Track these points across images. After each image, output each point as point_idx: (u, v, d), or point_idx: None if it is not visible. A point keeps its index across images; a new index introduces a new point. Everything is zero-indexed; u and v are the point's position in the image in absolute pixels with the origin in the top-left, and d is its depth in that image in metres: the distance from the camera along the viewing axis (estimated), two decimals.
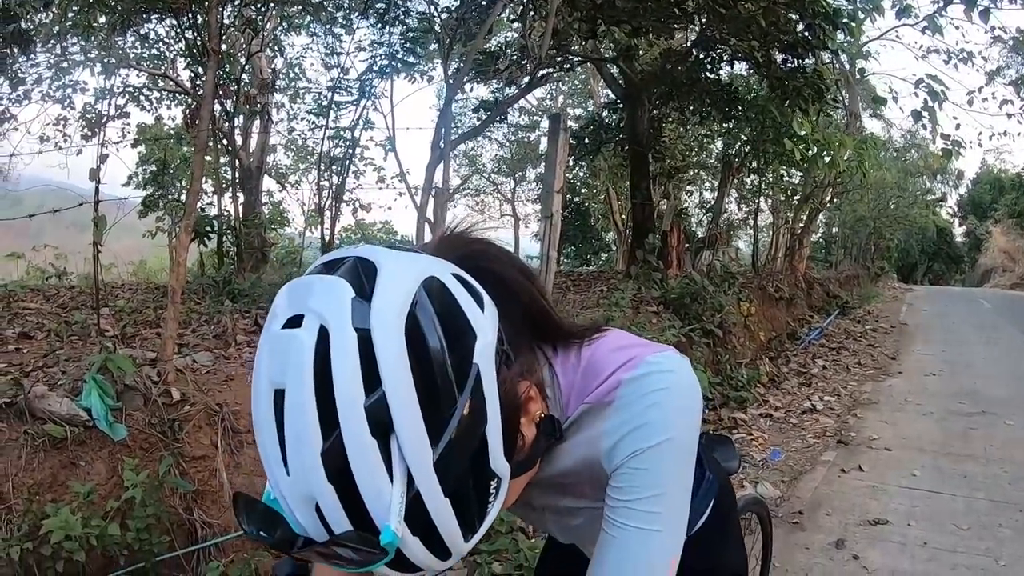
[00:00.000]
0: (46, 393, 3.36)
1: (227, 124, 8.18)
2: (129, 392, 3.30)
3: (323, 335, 0.71)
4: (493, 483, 0.80)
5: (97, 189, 3.38)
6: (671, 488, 0.92)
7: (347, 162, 8.28)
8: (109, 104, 8.92)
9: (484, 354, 0.77)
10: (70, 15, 7.25)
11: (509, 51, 8.12)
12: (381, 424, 0.70)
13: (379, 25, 7.19)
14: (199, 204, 8.58)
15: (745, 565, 1.47)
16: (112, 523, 3.01)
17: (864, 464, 5.17)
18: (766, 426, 6.48)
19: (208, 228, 7.53)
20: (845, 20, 7.58)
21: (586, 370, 0.97)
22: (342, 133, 8.12)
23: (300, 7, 7.05)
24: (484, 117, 9.06)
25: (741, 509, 2.24)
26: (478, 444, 0.76)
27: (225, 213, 8.28)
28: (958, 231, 40.36)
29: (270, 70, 10.18)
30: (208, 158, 7.61)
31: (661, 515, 0.91)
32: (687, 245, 11.13)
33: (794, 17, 7.40)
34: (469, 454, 0.75)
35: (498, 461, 0.79)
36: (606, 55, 9.81)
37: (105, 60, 8.55)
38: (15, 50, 7.84)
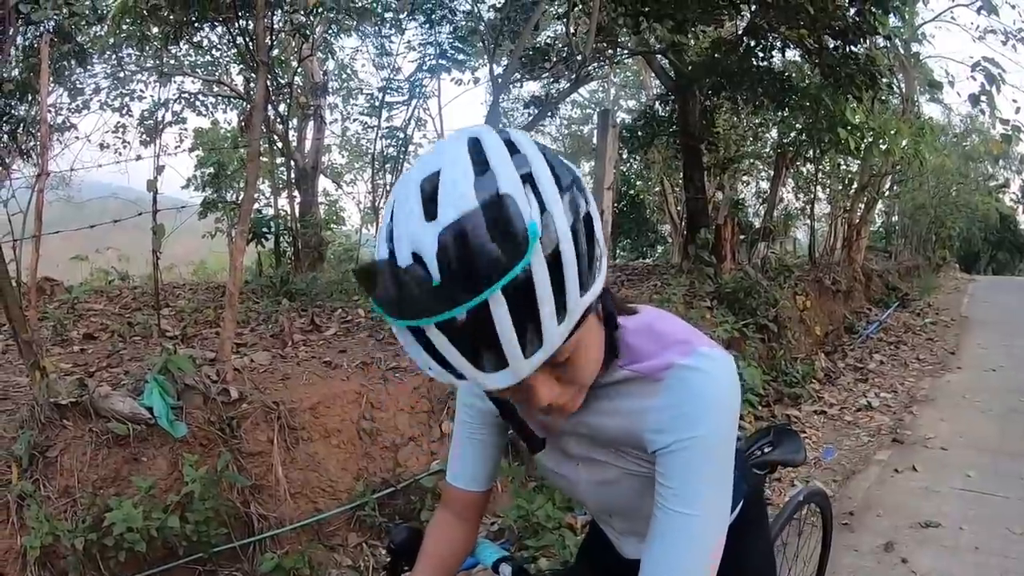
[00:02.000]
0: (110, 393, 3.52)
1: (281, 127, 8.38)
2: (189, 391, 3.44)
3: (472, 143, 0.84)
4: (598, 253, 0.89)
5: (155, 199, 3.53)
6: (711, 476, 1.00)
7: (400, 161, 8.40)
8: (164, 113, 9.21)
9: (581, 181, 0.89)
10: (124, 27, 7.51)
11: (557, 46, 8.13)
12: (525, 173, 0.82)
13: (427, 24, 7.28)
14: (257, 205, 8.85)
15: (772, 573, 1.49)
16: (172, 516, 3.15)
17: (918, 464, 5.06)
18: (820, 423, 6.38)
19: (266, 229, 7.74)
20: (896, 3, 7.36)
21: (638, 332, 1.07)
22: (395, 132, 8.25)
23: (346, 12, 7.17)
24: (534, 112, 9.08)
25: (807, 498, 2.25)
26: (586, 211, 0.86)
27: (282, 213, 8.50)
28: (1022, 218, 38.75)
29: (322, 72, 10.38)
30: (264, 159, 7.84)
31: (701, 501, 0.99)
32: (743, 237, 10.97)
33: (844, 2, 7.22)
34: (582, 215, 0.85)
35: (601, 239, 0.90)
36: (655, 47, 9.73)
37: (160, 69, 8.83)
38: (72, 63, 8.16)
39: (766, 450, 1.75)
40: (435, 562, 1.33)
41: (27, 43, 7.54)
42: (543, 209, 0.79)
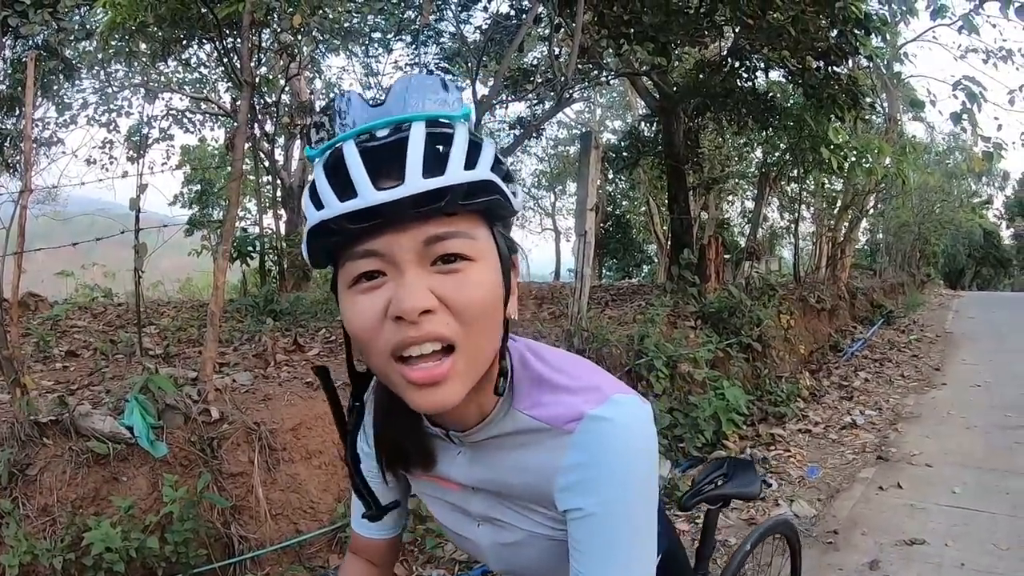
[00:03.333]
0: (90, 411, 3.49)
1: (268, 145, 8.38)
2: (170, 411, 3.41)
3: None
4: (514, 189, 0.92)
5: (137, 217, 3.52)
6: (631, 538, 0.92)
7: None
8: (151, 130, 9.21)
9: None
10: (112, 43, 7.52)
11: (541, 68, 8.19)
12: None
13: (413, 45, 7.34)
14: (243, 224, 8.83)
15: None
16: (151, 536, 3.12)
17: (903, 481, 5.08)
18: (804, 442, 6.39)
19: (251, 247, 7.71)
20: (877, 24, 7.47)
21: (531, 368, 0.98)
22: None
23: (332, 33, 7.21)
24: (518, 133, 9.13)
25: (769, 530, 2.24)
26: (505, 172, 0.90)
27: (268, 232, 8.48)
28: (1006, 234, 39.18)
29: (309, 91, 10.40)
30: (250, 178, 7.83)
31: (621, 564, 0.91)
32: (727, 256, 11.03)
33: (825, 24, 7.32)
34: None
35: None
36: (640, 68, 9.83)
37: (148, 85, 8.84)
38: (60, 78, 8.16)
39: (719, 483, 1.73)
40: None
41: (15, 57, 7.54)
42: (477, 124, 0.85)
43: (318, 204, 0.83)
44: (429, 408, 0.86)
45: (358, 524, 1.20)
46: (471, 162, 0.83)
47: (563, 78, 4.46)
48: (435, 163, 0.81)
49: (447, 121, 0.85)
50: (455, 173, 0.81)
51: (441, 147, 0.83)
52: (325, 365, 1.05)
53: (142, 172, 3.59)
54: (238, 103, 8.54)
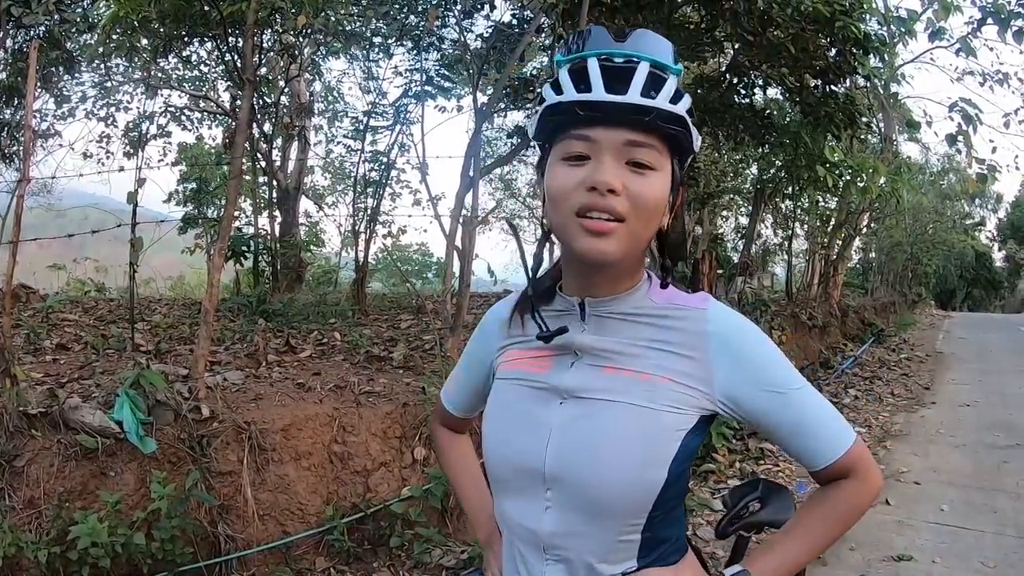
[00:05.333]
0: (80, 404, 3.47)
1: (265, 146, 8.36)
2: (160, 407, 3.39)
3: None
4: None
5: (134, 212, 3.50)
6: (805, 387, 1.16)
7: (383, 185, 8.40)
8: (149, 125, 9.18)
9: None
10: (114, 37, 7.49)
11: (542, 77, 8.20)
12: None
13: (414, 51, 7.34)
14: (238, 224, 8.79)
15: None
16: (138, 532, 3.10)
17: (892, 498, 5.09)
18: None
19: (245, 247, 7.68)
20: (876, 44, 7.52)
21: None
22: (378, 156, 8.25)
23: (335, 35, 7.20)
24: (516, 142, 9.13)
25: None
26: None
27: (262, 233, 8.45)
28: (997, 256, 39.50)
29: (308, 93, 10.39)
30: (246, 178, 7.81)
31: (795, 374, 1.16)
32: (720, 271, 11.04)
33: (824, 43, 7.36)
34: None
35: None
36: None
37: (147, 81, 8.81)
38: (60, 70, 8.14)
39: (753, 508, 1.70)
40: (474, 471, 1.50)
41: (16, 47, 7.51)
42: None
43: (558, 91, 1.08)
44: (594, 253, 1.06)
45: (444, 393, 1.49)
46: (675, 100, 1.07)
47: None
48: (651, 90, 1.05)
49: (664, 68, 1.08)
50: (662, 102, 1.05)
51: (656, 83, 1.07)
52: (516, 224, 1.30)
53: (140, 166, 3.58)
54: (238, 102, 8.54)
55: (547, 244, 1.23)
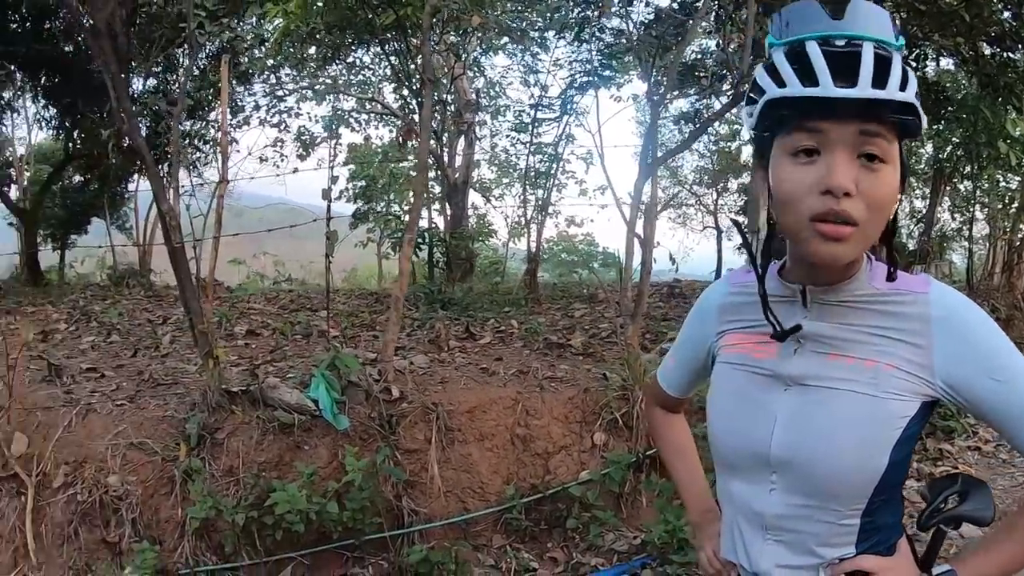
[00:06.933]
0: (278, 384, 3.78)
1: (435, 143, 8.74)
2: (352, 388, 3.64)
3: None
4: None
5: (329, 208, 3.76)
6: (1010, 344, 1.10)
7: (552, 176, 8.56)
8: (331, 127, 9.80)
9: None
10: (284, 49, 8.06)
11: (708, 61, 8.01)
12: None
13: (576, 43, 7.38)
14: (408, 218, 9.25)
15: None
16: (332, 502, 3.34)
17: None
18: (973, 460, 5.92)
19: (420, 240, 8.08)
20: None
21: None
22: (544, 148, 8.41)
23: (499, 32, 7.38)
24: (683, 129, 8.99)
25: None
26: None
27: (433, 226, 8.86)
28: None
29: (472, 90, 10.71)
30: (414, 174, 8.19)
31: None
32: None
33: (999, 5, 6.75)
34: None
35: None
36: None
37: (315, 88, 9.41)
38: (234, 83, 8.86)
39: (952, 502, 1.62)
40: (687, 453, 1.52)
41: (191, 65, 8.27)
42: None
43: (779, 82, 1.03)
44: (827, 257, 1.03)
45: (660, 373, 1.50)
46: (903, 85, 1.01)
47: (738, 72, 4.35)
48: (879, 78, 0.99)
49: (887, 46, 1.02)
50: (892, 91, 0.99)
51: (883, 67, 1.00)
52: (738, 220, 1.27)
53: (332, 165, 3.84)
54: (407, 103, 8.97)
55: (754, 235, 1.23)
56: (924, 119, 1.06)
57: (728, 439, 1.22)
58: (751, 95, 1.10)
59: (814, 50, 1.01)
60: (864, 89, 0.98)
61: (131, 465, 3.38)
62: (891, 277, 1.12)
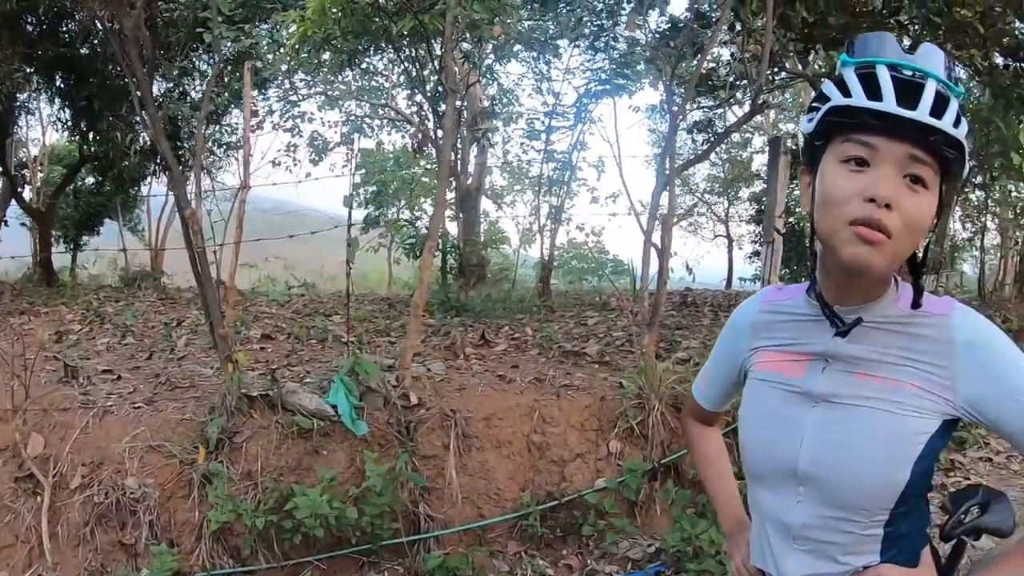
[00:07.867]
0: (297, 389, 3.80)
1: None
2: (371, 394, 3.65)
3: None
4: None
5: (350, 215, 3.79)
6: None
7: (565, 184, 8.60)
8: (351, 134, 9.83)
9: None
10: (300, 54, 8.09)
11: (723, 71, 8.02)
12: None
13: (590, 51, 7.40)
14: (422, 224, 9.27)
15: None
16: (351, 507, 3.35)
17: None
18: (985, 471, 5.90)
19: None
20: None
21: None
22: (556, 156, 8.42)
23: (515, 40, 7.41)
24: (696, 138, 9.00)
25: None
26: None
27: (446, 232, 8.86)
28: None
29: (486, 97, 10.73)
30: (425, 180, 8.22)
31: None
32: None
33: (1014, 19, 6.77)
34: None
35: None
36: (819, 70, 9.44)
37: (329, 93, 9.44)
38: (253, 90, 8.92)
39: (973, 514, 1.63)
40: (721, 466, 1.57)
41: (205, 71, 8.32)
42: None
43: (845, 93, 1.10)
44: (860, 262, 1.08)
45: (696, 388, 1.56)
46: (956, 124, 1.08)
47: (756, 83, 4.38)
48: (937, 110, 1.06)
49: (948, 88, 1.10)
50: (947, 124, 1.06)
51: (942, 103, 1.08)
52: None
53: (354, 171, 3.86)
54: (421, 110, 9.00)
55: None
56: (967, 166, 1.15)
57: (758, 452, 1.28)
58: (814, 103, 1.17)
59: (883, 72, 1.09)
60: (922, 114, 1.05)
61: (149, 467, 3.40)
62: (916, 304, 1.16)
